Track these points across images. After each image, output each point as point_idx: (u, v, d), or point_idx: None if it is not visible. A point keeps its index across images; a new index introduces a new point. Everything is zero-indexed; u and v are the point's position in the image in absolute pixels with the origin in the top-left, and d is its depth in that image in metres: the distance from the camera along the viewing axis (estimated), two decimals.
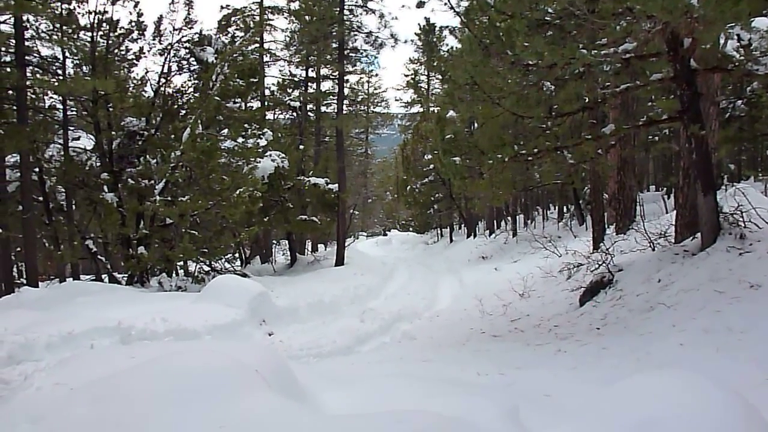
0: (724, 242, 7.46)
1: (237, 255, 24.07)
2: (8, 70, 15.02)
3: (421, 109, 37.37)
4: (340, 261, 21.91)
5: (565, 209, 26.69)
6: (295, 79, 25.98)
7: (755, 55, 7.98)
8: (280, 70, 26.74)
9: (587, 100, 9.03)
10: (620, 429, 3.03)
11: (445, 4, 8.08)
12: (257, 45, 23.78)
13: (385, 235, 52.05)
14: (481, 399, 4.12)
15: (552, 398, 4.69)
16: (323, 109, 27.64)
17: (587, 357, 6.16)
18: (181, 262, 17.75)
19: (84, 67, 17.68)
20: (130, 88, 17.50)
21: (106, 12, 16.69)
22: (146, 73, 18.56)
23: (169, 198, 15.90)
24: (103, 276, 17.36)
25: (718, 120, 10.65)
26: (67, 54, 17.32)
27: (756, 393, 3.69)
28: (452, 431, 3.21)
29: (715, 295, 6.34)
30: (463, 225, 36.11)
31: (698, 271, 7.24)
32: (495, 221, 31.02)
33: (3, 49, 15.25)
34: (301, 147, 23.47)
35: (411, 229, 46.88)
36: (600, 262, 9.64)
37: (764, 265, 6.53)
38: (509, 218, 28.80)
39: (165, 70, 17.41)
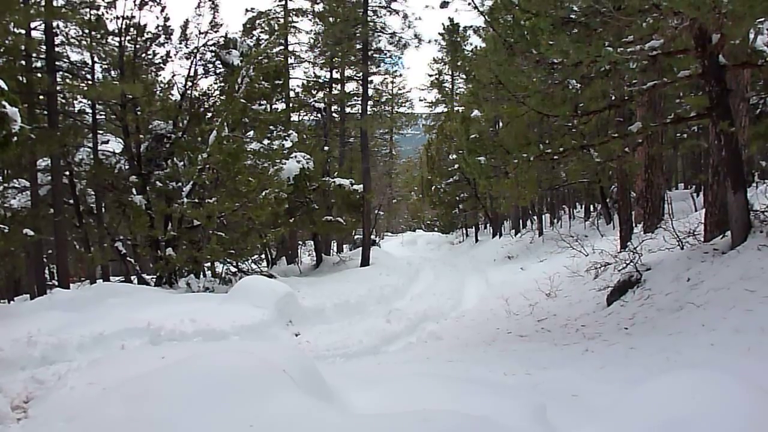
0: (755, 240, 7.35)
1: (263, 256, 24.20)
2: (39, 75, 15.32)
3: (446, 109, 37.26)
4: (365, 261, 21.89)
5: (591, 208, 26.41)
6: (320, 80, 26.04)
7: None
8: (304, 72, 26.82)
9: (613, 98, 8.97)
10: (647, 429, 3.01)
11: (469, 3, 8.05)
12: (282, 47, 23.89)
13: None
14: (508, 399, 4.12)
15: (579, 398, 4.66)
16: (348, 110, 27.66)
17: (615, 357, 6.11)
18: (209, 264, 17.91)
19: (112, 72, 17.96)
20: (158, 92, 17.69)
21: (133, 17, 16.89)
22: (173, 76, 18.55)
23: (197, 200, 16.04)
24: (132, 277, 17.58)
25: (748, 116, 10.47)
26: (95, 59, 17.62)
27: None
28: (479, 431, 3.21)
29: (747, 294, 6.25)
30: (488, 225, 35.93)
31: (728, 269, 7.14)
32: (521, 221, 30.82)
33: (34, 55, 15.56)
34: (326, 148, 23.51)
35: (436, 229, 46.76)
36: (628, 261, 9.54)
37: None
38: (535, 217, 28.60)
39: (191, 74, 17.57)
